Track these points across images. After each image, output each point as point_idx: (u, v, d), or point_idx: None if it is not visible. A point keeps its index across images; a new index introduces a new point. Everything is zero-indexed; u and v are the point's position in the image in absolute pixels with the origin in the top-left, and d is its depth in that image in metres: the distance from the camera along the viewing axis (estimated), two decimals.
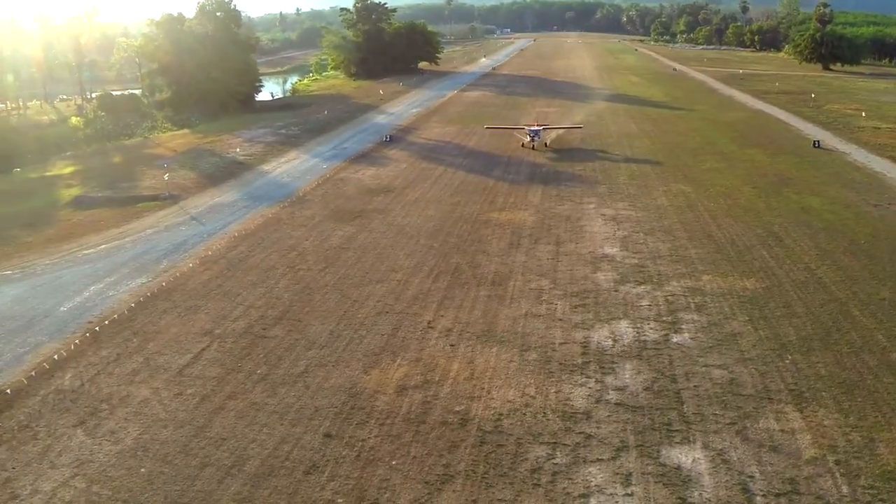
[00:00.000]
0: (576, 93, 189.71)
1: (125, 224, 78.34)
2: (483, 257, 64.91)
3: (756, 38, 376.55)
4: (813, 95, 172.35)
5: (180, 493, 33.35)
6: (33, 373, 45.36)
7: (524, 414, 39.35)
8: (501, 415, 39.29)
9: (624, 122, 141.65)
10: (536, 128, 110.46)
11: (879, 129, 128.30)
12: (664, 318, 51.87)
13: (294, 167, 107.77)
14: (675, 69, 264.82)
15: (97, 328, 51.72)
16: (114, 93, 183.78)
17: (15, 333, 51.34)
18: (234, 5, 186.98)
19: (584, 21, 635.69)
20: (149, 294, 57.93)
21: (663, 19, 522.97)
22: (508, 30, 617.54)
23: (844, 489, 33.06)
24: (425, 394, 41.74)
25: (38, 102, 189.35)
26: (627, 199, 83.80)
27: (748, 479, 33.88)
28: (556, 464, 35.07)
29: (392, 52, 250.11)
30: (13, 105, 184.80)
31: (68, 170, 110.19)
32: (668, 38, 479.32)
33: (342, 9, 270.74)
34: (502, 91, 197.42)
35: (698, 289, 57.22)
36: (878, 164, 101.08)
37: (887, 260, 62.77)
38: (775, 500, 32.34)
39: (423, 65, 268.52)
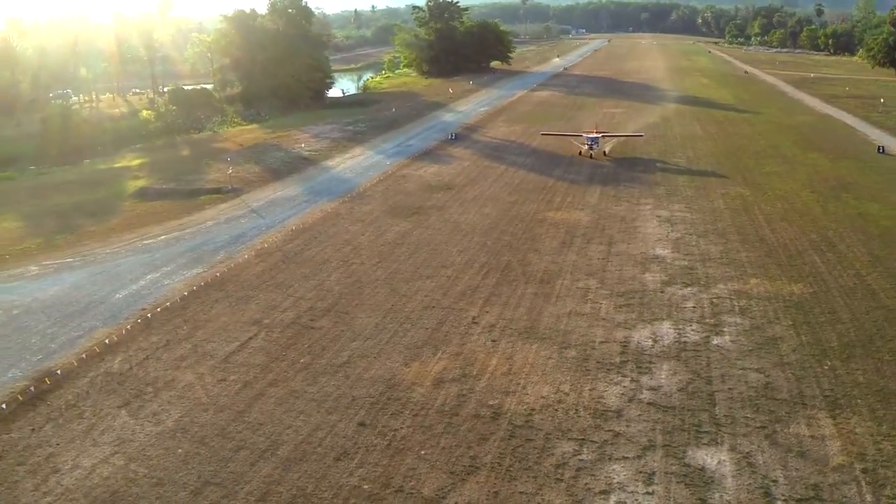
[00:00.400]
0: (644, 94, 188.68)
1: (186, 216, 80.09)
2: (534, 255, 65.43)
3: (830, 41, 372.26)
4: (882, 100, 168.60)
5: (213, 473, 34.48)
6: (84, 356, 46.92)
7: (556, 410, 39.86)
8: (533, 410, 39.81)
9: (689, 125, 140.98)
10: (595, 135, 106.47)
11: None
12: (707, 321, 51.88)
13: (357, 163, 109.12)
14: (745, 72, 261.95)
15: (149, 315, 53.21)
16: (185, 87, 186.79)
17: (70, 318, 53.05)
18: (306, 2, 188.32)
19: (659, 22, 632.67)
20: (202, 284, 59.36)
21: (738, 21, 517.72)
22: (583, 30, 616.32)
23: (868, 498, 32.89)
24: (461, 387, 42.42)
25: (111, 96, 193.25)
26: (684, 201, 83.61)
27: (771, 484, 33.88)
28: (582, 460, 35.52)
29: (463, 51, 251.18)
30: (86, 98, 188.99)
31: (136, 162, 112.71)
32: (742, 40, 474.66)
33: (414, 7, 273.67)
34: (571, 91, 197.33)
35: (744, 292, 56.98)
36: None
37: None
38: None
39: (494, 64, 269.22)
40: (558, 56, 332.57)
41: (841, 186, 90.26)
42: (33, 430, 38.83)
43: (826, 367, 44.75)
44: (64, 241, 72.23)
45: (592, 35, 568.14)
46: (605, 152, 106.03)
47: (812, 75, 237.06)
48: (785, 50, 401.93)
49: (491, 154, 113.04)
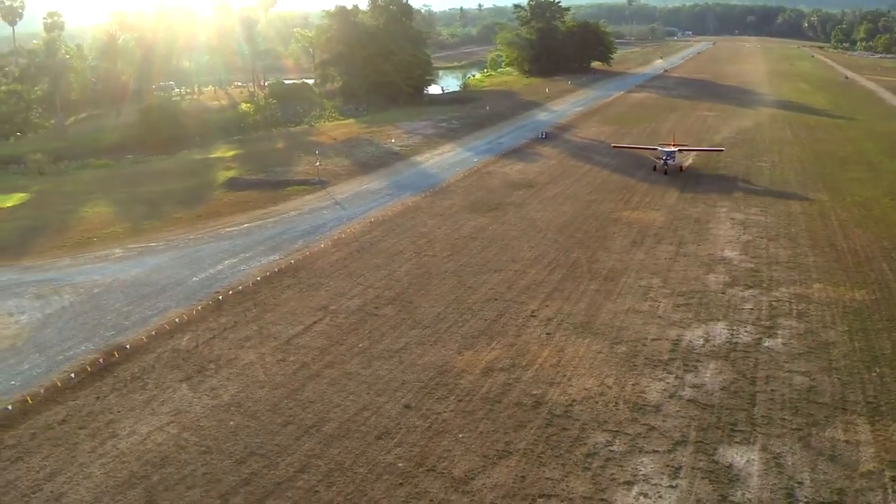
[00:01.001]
0: (741, 98, 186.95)
1: (272, 206, 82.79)
2: (603, 253, 66.31)
3: None
4: None
5: (259, 445, 36.53)
6: (154, 332, 49.56)
7: (596, 402, 40.85)
8: (574, 401, 40.90)
9: (780, 129, 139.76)
10: (671, 149, 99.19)
11: None
12: (762, 323, 52.14)
13: (445, 159, 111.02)
14: (846, 77, 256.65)
15: (221, 297, 55.71)
16: (286, 81, 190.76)
17: (147, 298, 55.86)
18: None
19: (765, 26, 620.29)
20: (276, 270, 61.73)
21: (843, 26, 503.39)
22: (690, 32, 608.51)
23: None
24: (509, 376, 43.71)
25: (213, 88, 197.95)
26: (761, 205, 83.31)
27: (796, 486, 34.24)
28: (612, 451, 36.50)
29: (564, 51, 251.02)
30: (188, 90, 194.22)
31: (230, 153, 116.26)
32: (847, 45, 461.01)
33: (516, 6, 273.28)
34: (668, 93, 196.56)
35: (806, 296, 57.00)
36: None
37: None
38: None
39: (595, 65, 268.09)
40: (661, 58, 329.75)
41: None
42: (98, 398, 41.42)
43: (874, 374, 44.63)
44: (151, 226, 75.43)
45: (698, 37, 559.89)
46: (681, 167, 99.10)
47: None
48: (890, 56, 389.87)
49: (578, 154, 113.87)
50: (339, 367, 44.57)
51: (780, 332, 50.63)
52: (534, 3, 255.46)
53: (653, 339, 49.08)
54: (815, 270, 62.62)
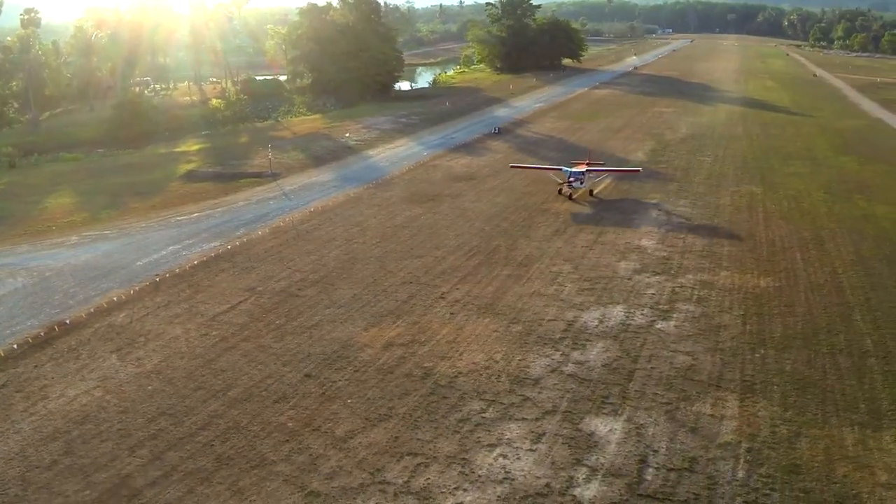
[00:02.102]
0: (702, 95, 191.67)
1: (223, 196, 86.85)
2: (524, 241, 70.29)
3: None
4: None
5: (170, 406, 40.97)
6: (94, 310, 53.68)
7: (481, 375, 44.93)
8: (461, 373, 44.99)
9: (734, 125, 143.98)
10: (579, 169, 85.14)
11: None
12: (660, 307, 55.88)
13: (396, 153, 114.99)
14: (815, 75, 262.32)
15: (159, 280, 59.80)
16: (259, 78, 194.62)
17: (92, 280, 60.06)
18: None
19: (745, 24, 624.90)
20: (214, 255, 65.95)
21: (822, 25, 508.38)
22: (670, 30, 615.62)
23: (740, 474, 35.91)
24: (406, 351, 47.90)
25: (188, 84, 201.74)
26: (692, 197, 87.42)
27: (651, 453, 37.67)
28: (484, 417, 40.41)
29: (534, 49, 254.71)
30: (162, 86, 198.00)
31: (195, 147, 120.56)
32: (824, 43, 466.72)
33: (487, 3, 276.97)
34: (631, 90, 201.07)
35: (710, 282, 60.70)
36: None
37: None
38: (664, 474, 36.20)
39: (566, 62, 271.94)
40: (636, 55, 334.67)
41: (858, 189, 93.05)
42: (36, 366, 45.73)
43: (757, 356, 48.17)
44: (107, 215, 79.35)
45: (679, 35, 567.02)
46: (591, 192, 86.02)
47: (879, 80, 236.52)
48: (865, 54, 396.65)
49: (525, 148, 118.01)
50: (253, 340, 48.76)
51: (675, 315, 54.26)
52: (505, 0, 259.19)
53: (549, 320, 52.86)
54: (727, 259, 66.34)
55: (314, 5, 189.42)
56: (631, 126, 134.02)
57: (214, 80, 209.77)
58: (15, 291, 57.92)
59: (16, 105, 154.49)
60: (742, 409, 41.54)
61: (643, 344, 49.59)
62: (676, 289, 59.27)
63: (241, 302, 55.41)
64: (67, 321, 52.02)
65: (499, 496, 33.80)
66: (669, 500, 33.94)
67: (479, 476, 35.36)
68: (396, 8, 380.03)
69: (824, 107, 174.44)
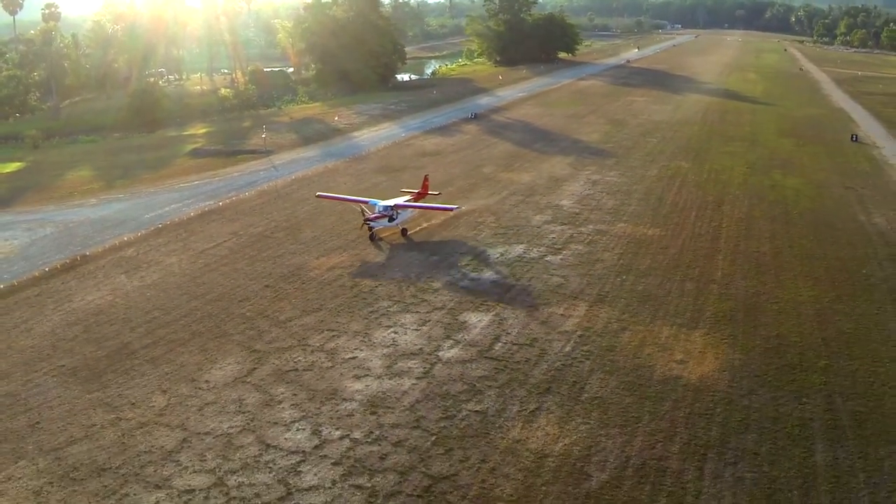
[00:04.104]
0: (680, 86, 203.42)
1: (221, 169, 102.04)
2: (463, 201, 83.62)
3: None
4: None
5: (162, 304, 56.06)
6: (108, 247, 69.11)
7: (395, 286, 59.54)
8: (381, 285, 59.68)
9: (695, 113, 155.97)
10: (387, 202, 72.24)
11: None
12: (555, 246, 69.71)
13: (378, 135, 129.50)
14: (801, 69, 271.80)
15: (162, 226, 75.11)
16: (266, 69, 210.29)
17: (108, 228, 75.19)
18: None
19: (754, 20, 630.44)
20: (207, 210, 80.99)
21: (827, 21, 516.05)
22: (679, 25, 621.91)
23: (566, 349, 48.03)
24: (344, 272, 62.49)
25: (200, 75, 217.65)
26: (623, 169, 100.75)
27: (504, 334, 51.15)
28: (389, 310, 54.89)
29: (530, 42, 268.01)
30: (176, 77, 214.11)
31: (202, 130, 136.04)
32: (827, 39, 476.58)
33: None
34: (614, 81, 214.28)
35: (605, 231, 74.25)
36: None
37: (799, 225, 77.18)
38: (508, 347, 49.40)
39: (562, 55, 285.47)
40: (637, 48, 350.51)
41: (781, 165, 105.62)
42: (62, 283, 60.87)
43: (618, 280, 61.33)
44: (121, 184, 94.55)
45: (687, 31, 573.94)
46: (404, 231, 73.01)
47: (860, 73, 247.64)
48: (864, 50, 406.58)
49: (494, 131, 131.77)
50: (230, 265, 63.84)
51: (564, 252, 67.95)
52: None
53: (461, 253, 67.34)
54: (628, 215, 79.52)
55: (318, 1, 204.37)
56: (597, 112, 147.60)
57: (225, 71, 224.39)
58: (45, 236, 72.90)
59: (37, 94, 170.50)
60: (587, 312, 54.51)
61: (529, 270, 63.29)
62: (574, 235, 72.80)
63: (225, 241, 70.11)
64: (87, 254, 66.98)
65: (384, 354, 48.37)
66: (507, 360, 47.87)
67: (374, 343, 49.89)
68: (406, 3, 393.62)
69: (792, 97, 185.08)
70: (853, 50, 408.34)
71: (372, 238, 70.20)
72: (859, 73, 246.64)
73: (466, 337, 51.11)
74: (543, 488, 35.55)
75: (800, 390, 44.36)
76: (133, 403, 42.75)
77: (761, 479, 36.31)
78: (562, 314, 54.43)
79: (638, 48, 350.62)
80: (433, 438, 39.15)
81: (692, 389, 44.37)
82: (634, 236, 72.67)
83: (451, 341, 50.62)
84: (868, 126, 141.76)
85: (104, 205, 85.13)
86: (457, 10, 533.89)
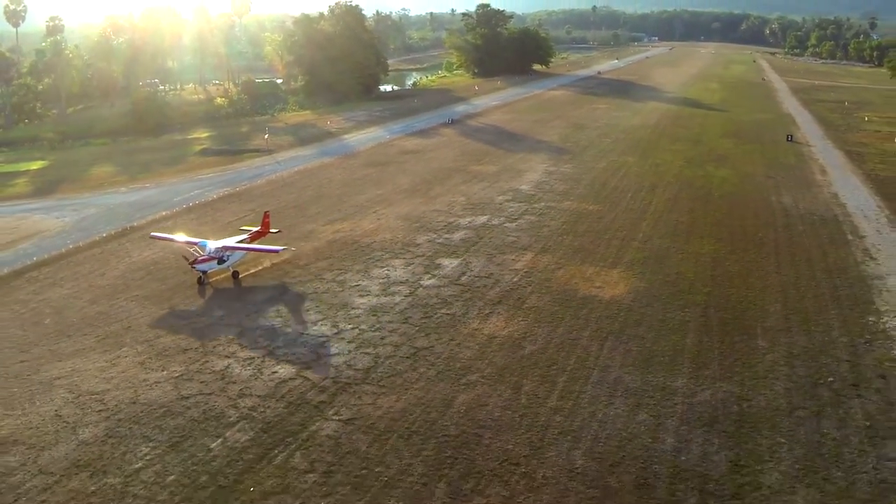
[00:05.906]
0: (643, 95, 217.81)
1: (230, 165, 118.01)
2: (439, 187, 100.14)
3: (874, 53, 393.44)
4: (846, 103, 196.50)
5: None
6: (150, 220, 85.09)
7: (387, 242, 75.69)
8: (375, 241, 75.74)
9: (651, 118, 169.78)
10: (217, 244, 67.08)
11: (880, 131, 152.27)
12: (513, 217, 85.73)
13: (366, 137, 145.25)
14: (763, 79, 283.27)
15: (191, 205, 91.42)
16: (257, 80, 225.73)
17: (145, 208, 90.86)
18: (359, 7, 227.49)
19: (730, 32, 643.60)
20: (226, 194, 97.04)
21: (800, 33, 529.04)
22: (656, 38, 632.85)
23: (514, 280, 66.31)
24: (346, 235, 78.44)
25: (193, 85, 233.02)
26: (576, 163, 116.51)
27: (469, 270, 68.10)
28: (382, 257, 71.35)
29: (506, 55, 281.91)
30: (171, 87, 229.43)
31: (204, 134, 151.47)
32: (798, 51, 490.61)
33: (464, 14, 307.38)
34: (582, 91, 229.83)
35: (554, 207, 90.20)
36: (827, 154, 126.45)
37: (717, 203, 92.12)
38: (472, 278, 66.25)
39: (537, 67, 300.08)
40: (617, 59, 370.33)
41: (716, 159, 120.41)
42: (119, 245, 76.64)
43: (559, 238, 77.79)
44: (144, 177, 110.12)
45: (664, 43, 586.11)
46: (235, 274, 68.21)
47: (816, 83, 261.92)
48: (831, 61, 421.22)
49: (468, 133, 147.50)
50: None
51: (519, 220, 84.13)
52: (480, 11, 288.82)
53: (437, 222, 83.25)
54: (574, 196, 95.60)
55: (306, 16, 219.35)
56: (562, 118, 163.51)
57: (217, 82, 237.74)
58: (92, 214, 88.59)
59: (41, 102, 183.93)
60: (533, 258, 71.05)
61: (491, 232, 79.50)
62: (528, 209, 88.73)
63: (246, 216, 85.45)
64: (134, 224, 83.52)
65: (380, 283, 64.76)
66: (470, 286, 64.26)
67: (372, 276, 66.33)
68: (388, 17, 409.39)
69: (745, 104, 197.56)
70: (821, 61, 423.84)
71: (200, 282, 65.34)
72: (816, 82, 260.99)
73: (441, 273, 67.49)
74: (492, 353, 51.80)
75: (685, 305, 60.43)
76: (200, 314, 59.11)
77: (643, 352, 52.26)
78: (513, 259, 70.89)
79: (618, 59, 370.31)
80: (417, 328, 55.48)
81: (604, 303, 60.65)
82: (577, 210, 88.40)
83: (430, 275, 66.97)
84: (809, 129, 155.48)
85: (135, 192, 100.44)
86: (437, 24, 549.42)
